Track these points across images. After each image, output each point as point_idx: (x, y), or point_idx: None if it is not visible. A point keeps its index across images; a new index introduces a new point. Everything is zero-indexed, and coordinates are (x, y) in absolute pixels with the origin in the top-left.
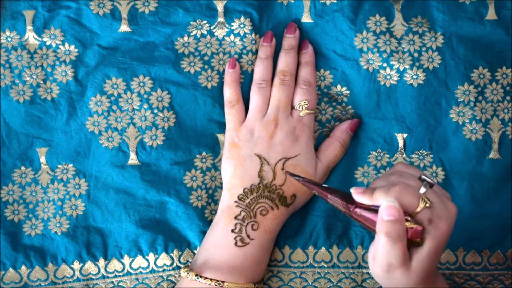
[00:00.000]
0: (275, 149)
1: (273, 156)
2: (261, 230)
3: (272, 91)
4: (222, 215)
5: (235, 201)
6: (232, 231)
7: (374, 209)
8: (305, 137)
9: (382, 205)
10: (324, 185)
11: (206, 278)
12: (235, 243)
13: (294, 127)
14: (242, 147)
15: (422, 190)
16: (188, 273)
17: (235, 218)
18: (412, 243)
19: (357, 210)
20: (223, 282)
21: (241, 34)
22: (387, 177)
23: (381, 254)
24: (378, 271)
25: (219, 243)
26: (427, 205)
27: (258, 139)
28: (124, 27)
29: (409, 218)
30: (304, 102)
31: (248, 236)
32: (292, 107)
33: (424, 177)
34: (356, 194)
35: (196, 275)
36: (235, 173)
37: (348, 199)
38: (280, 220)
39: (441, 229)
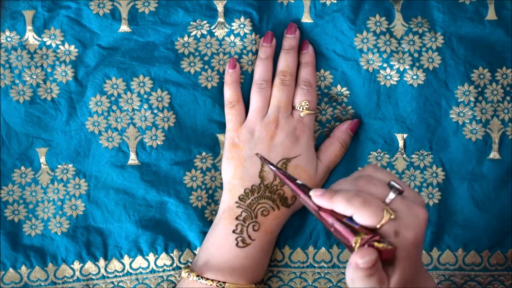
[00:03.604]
0: (275, 149)
1: (273, 156)
2: (262, 231)
3: (272, 91)
4: (223, 215)
5: (236, 202)
6: (233, 231)
7: (347, 223)
8: (305, 137)
9: (355, 254)
10: (298, 181)
11: (207, 279)
12: (236, 244)
13: (294, 128)
14: (243, 148)
15: (390, 197)
16: (189, 274)
17: (236, 218)
18: (384, 261)
19: (329, 219)
20: (224, 282)
21: (241, 34)
22: (355, 181)
23: (360, 284)
24: None
25: (220, 244)
26: (392, 216)
27: (259, 140)
28: (124, 27)
29: (380, 239)
30: (305, 103)
31: (249, 237)
32: (293, 108)
33: (393, 183)
34: (315, 197)
35: (197, 275)
36: (235, 174)
37: None
38: (281, 220)
39: (408, 240)
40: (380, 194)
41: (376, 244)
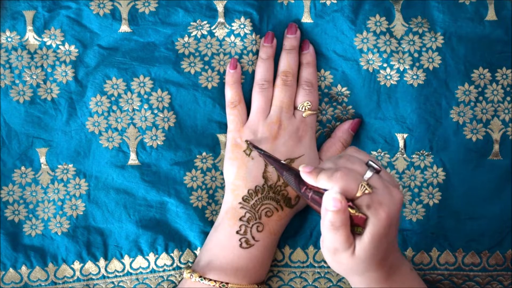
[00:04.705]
0: (279, 150)
1: (277, 156)
2: (266, 232)
3: (274, 91)
4: (226, 216)
5: (240, 203)
6: (237, 232)
7: (323, 192)
8: (308, 137)
9: (327, 195)
10: (282, 161)
11: (210, 279)
12: (240, 245)
13: (297, 128)
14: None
15: (367, 175)
16: (191, 275)
17: (240, 219)
18: (354, 230)
19: (307, 191)
20: (227, 283)
21: (242, 34)
22: (336, 160)
23: (327, 239)
24: (326, 254)
25: (224, 245)
26: (366, 191)
27: (262, 140)
28: (124, 28)
29: (353, 206)
30: (307, 103)
31: (253, 238)
32: (294, 108)
33: (370, 162)
34: (304, 173)
35: (200, 276)
36: (238, 174)
37: (302, 179)
38: (284, 221)
39: (380, 215)
40: (359, 171)
41: (348, 209)
